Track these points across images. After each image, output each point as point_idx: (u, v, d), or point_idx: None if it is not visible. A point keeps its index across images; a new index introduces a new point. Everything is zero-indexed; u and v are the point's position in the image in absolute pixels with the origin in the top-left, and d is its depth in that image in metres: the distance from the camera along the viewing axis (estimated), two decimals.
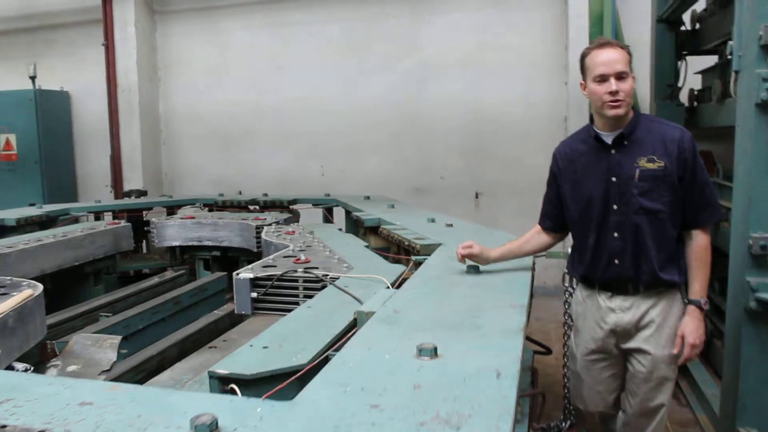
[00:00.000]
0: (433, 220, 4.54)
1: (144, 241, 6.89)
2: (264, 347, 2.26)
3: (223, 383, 2.04)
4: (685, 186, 2.61)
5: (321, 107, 8.39)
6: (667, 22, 5.29)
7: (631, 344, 2.76)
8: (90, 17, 8.74)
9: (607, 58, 2.58)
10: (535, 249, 2.98)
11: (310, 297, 3.11)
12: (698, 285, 2.66)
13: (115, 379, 3.23)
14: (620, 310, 2.75)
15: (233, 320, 4.05)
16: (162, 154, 9.24)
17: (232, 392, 1.96)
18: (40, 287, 3.20)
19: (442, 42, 7.88)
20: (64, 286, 5.45)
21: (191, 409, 1.34)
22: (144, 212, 7.13)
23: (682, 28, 5.34)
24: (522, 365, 1.75)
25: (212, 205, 6.94)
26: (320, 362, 2.07)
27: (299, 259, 3.78)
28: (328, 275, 3.36)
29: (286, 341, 2.31)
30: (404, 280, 3.05)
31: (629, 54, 2.62)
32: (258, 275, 3.48)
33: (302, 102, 8.45)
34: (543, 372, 4.85)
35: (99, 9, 8.53)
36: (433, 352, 1.73)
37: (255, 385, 2.01)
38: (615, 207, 2.69)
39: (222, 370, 2.04)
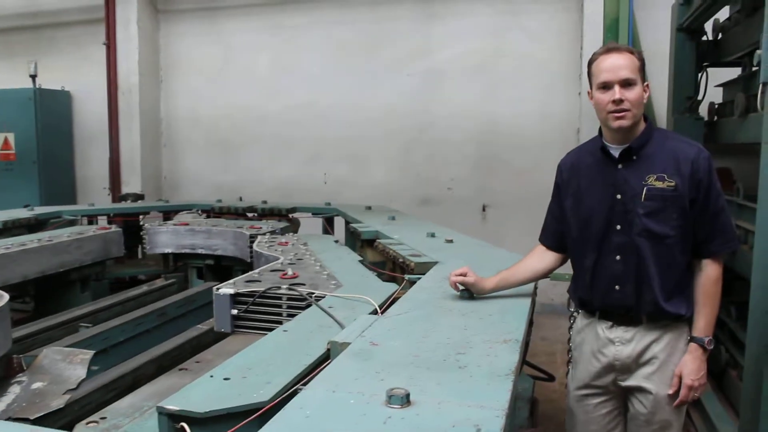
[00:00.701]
0: (433, 235, 4.30)
1: (140, 246, 6.68)
2: (225, 378, 2.03)
3: (173, 420, 1.81)
4: (697, 210, 2.34)
5: (326, 113, 8.16)
6: (687, 31, 5.01)
7: (631, 381, 2.48)
8: (94, 16, 8.55)
9: (612, 64, 2.33)
10: (535, 273, 2.69)
11: (294, 316, 2.90)
12: (703, 321, 2.38)
13: (83, 398, 3.02)
14: (620, 342, 2.46)
15: (217, 336, 3.82)
16: (162, 157, 9.04)
17: None
18: (6, 297, 2.99)
19: (454, 46, 7.63)
20: (49, 293, 5.25)
21: None
22: (140, 217, 6.94)
23: (704, 38, 5.06)
24: (520, 395, 1.49)
25: (210, 212, 6.74)
26: (285, 398, 1.82)
27: (286, 273, 3.55)
28: (313, 294, 3.13)
29: (252, 372, 2.08)
30: (395, 300, 2.81)
31: (640, 60, 2.36)
32: (239, 291, 3.27)
33: (306, 107, 8.22)
34: (546, 399, 4.58)
35: (102, 7, 8.35)
36: (405, 400, 1.49)
37: (209, 424, 1.78)
38: (618, 227, 2.42)
39: (172, 405, 1.82)
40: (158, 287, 5.45)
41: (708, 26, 5.01)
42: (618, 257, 2.42)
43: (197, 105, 8.80)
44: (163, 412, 1.81)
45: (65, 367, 3.33)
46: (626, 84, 2.31)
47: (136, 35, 8.37)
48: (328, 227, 6.26)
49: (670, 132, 2.61)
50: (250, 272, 3.69)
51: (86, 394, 3.02)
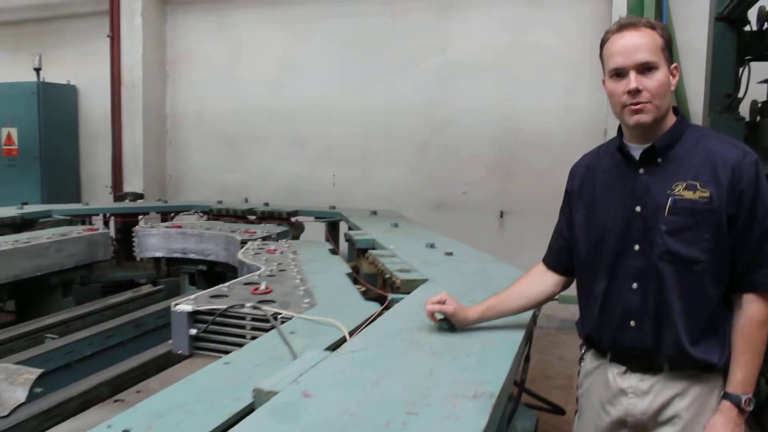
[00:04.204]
0: (432, 246, 3.85)
1: None
2: (124, 431, 1.61)
3: None
4: (738, 230, 1.84)
5: (336, 110, 7.74)
6: (728, 20, 4.47)
7: None
8: (102, 8, 8.25)
9: (625, 45, 1.85)
10: (530, 300, 2.19)
11: (258, 337, 2.53)
12: (741, 374, 1.86)
13: (15, 427, 2.65)
14: (634, 393, 1.96)
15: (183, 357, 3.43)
16: (167, 155, 8.72)
17: None
18: None
19: (472, 40, 7.14)
20: (27, 299, 4.94)
21: None
22: (139, 217, 6.63)
23: (746, 28, 4.52)
24: None
25: (208, 213, 6.39)
26: None
27: (258, 288, 3.14)
28: (279, 314, 2.71)
29: (162, 422, 1.66)
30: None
31: (664, 36, 1.86)
32: (199, 308, 2.86)
33: (316, 104, 7.82)
34: None
35: None
36: None
37: None
38: (636, 247, 1.92)
39: None
40: (144, 294, 5.10)
41: (752, 14, 4.47)
42: (635, 285, 1.93)
43: (204, 101, 8.47)
44: None
45: (4, 388, 2.97)
46: (645, 69, 1.82)
47: (141, 27, 8.04)
48: (329, 233, 5.85)
49: (708, 129, 2.07)
50: (218, 285, 3.29)
51: (17, 423, 2.66)
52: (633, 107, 1.85)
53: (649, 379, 1.94)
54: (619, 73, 1.86)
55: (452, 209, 7.26)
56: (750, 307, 1.86)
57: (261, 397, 1.64)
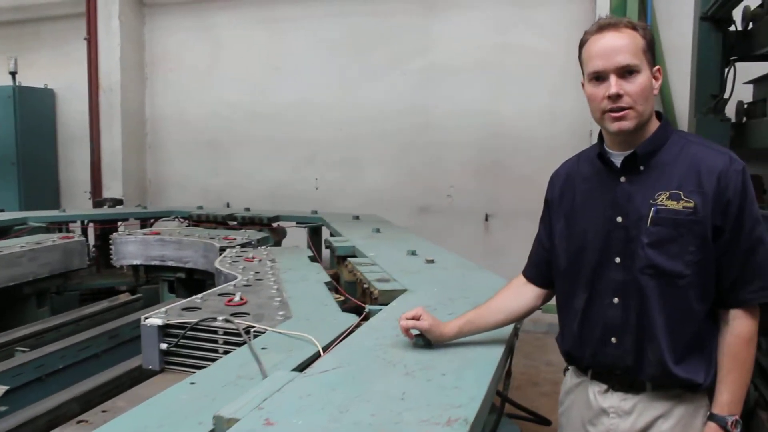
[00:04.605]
0: (413, 253, 3.76)
1: None
2: None
3: None
4: (724, 242, 1.74)
5: (319, 113, 7.64)
6: (713, 20, 4.41)
7: None
8: (79, 10, 8.09)
9: (605, 47, 1.75)
10: (510, 315, 2.08)
11: (231, 351, 2.42)
12: (728, 394, 1.76)
13: None
14: (616, 413, 1.86)
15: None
16: (147, 160, 8.57)
17: None
18: None
19: (456, 42, 7.06)
20: (0, 310, 4.79)
21: None
22: (119, 224, 6.50)
23: (732, 28, 4.46)
24: None
25: (188, 219, 6.26)
26: None
27: (232, 299, 3.04)
28: (252, 328, 2.61)
29: None
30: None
31: (646, 37, 1.76)
32: (170, 321, 2.76)
33: (298, 107, 7.71)
34: None
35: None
36: None
37: None
38: (617, 260, 1.82)
39: None
40: (121, 303, 4.97)
41: (737, 14, 4.41)
42: (615, 300, 1.83)
43: (184, 104, 8.33)
44: None
45: None
46: (626, 72, 1.73)
47: (118, 30, 7.89)
48: (311, 239, 5.74)
49: (693, 135, 1.96)
50: (191, 297, 3.18)
51: None
52: (614, 114, 1.75)
53: (632, 398, 1.84)
54: (599, 77, 1.77)
55: (437, 212, 7.18)
56: (737, 323, 1.76)
57: (221, 425, 1.54)
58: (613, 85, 1.72)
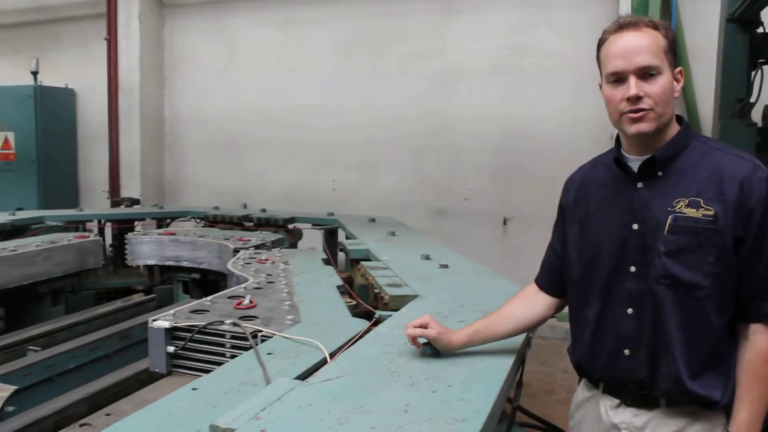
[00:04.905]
0: (427, 257, 3.69)
1: None
2: None
3: None
4: (745, 253, 1.64)
5: (335, 115, 7.59)
6: (740, 21, 4.28)
7: None
8: (99, 10, 8.13)
9: (624, 47, 1.67)
10: (521, 324, 2.01)
11: (238, 355, 2.38)
12: (746, 413, 1.66)
13: None
14: (628, 430, 1.78)
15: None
16: (165, 160, 8.59)
17: None
18: None
19: (474, 44, 6.96)
20: (15, 308, 4.80)
21: None
22: (136, 223, 6.51)
23: (759, 29, 4.33)
24: None
25: (204, 219, 6.25)
26: None
27: (241, 302, 3.00)
28: (260, 332, 2.57)
29: None
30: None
31: (668, 37, 1.68)
32: (178, 324, 2.72)
33: (315, 109, 7.67)
34: None
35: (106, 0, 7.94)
36: None
37: None
38: (632, 269, 1.74)
39: None
40: (134, 303, 4.97)
41: (765, 16, 4.28)
42: (630, 310, 1.74)
43: (202, 105, 8.33)
44: None
45: None
46: (646, 73, 1.65)
47: (138, 30, 7.92)
48: (327, 241, 5.69)
49: (716, 141, 1.88)
50: (201, 299, 3.15)
51: None
52: (632, 115, 1.67)
53: (645, 414, 1.76)
54: (618, 78, 1.69)
55: (454, 216, 7.09)
56: (757, 339, 1.66)
57: None
58: (633, 86, 1.65)
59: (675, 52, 1.71)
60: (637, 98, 1.65)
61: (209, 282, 5.16)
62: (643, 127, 1.68)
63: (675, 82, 1.70)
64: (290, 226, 5.86)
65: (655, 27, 1.68)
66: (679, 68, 1.72)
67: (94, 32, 8.28)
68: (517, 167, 6.83)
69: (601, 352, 1.81)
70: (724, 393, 1.68)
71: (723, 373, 1.69)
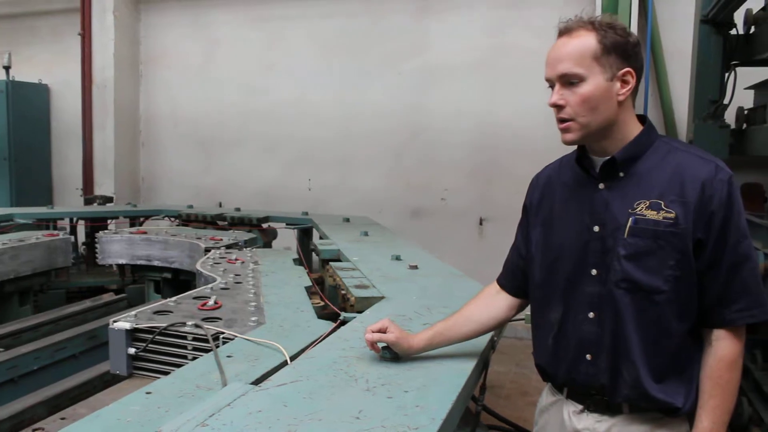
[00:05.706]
0: (398, 258, 3.65)
1: None
2: None
3: None
4: (707, 257, 1.60)
5: (313, 113, 7.49)
6: (713, 23, 4.30)
7: None
8: (74, 5, 7.98)
9: (551, 54, 1.66)
10: (481, 326, 1.96)
11: (199, 357, 2.35)
12: (708, 421, 1.61)
13: None
14: None
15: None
16: (140, 157, 8.44)
17: None
18: None
19: (452, 43, 6.91)
20: None
21: None
22: (109, 221, 6.41)
23: (733, 31, 4.35)
24: None
25: (178, 218, 6.17)
26: None
27: (206, 303, 2.95)
28: (222, 334, 2.52)
29: None
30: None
31: (608, 38, 1.60)
32: (139, 326, 2.66)
33: (292, 106, 7.57)
34: None
35: None
36: None
37: None
38: (594, 272, 1.70)
39: None
40: (104, 303, 4.89)
41: (738, 17, 4.30)
42: (591, 315, 1.70)
43: (179, 102, 8.19)
44: None
45: None
46: (567, 82, 1.62)
47: (113, 26, 7.76)
48: (302, 240, 5.63)
49: (679, 141, 1.81)
50: (164, 300, 3.08)
51: None
52: (559, 125, 1.66)
53: (607, 420, 1.72)
54: (551, 85, 1.67)
55: (431, 215, 7.04)
56: (720, 345, 1.62)
57: None
58: (553, 94, 1.65)
59: (625, 53, 1.62)
60: (558, 107, 1.64)
61: (181, 281, 5.09)
62: (568, 137, 1.66)
63: (618, 85, 1.62)
64: (264, 226, 5.79)
65: (594, 28, 1.61)
66: (626, 69, 1.62)
67: (70, 27, 8.11)
68: (495, 165, 6.78)
69: (564, 356, 1.77)
70: (687, 400, 1.65)
71: (686, 379, 1.66)
